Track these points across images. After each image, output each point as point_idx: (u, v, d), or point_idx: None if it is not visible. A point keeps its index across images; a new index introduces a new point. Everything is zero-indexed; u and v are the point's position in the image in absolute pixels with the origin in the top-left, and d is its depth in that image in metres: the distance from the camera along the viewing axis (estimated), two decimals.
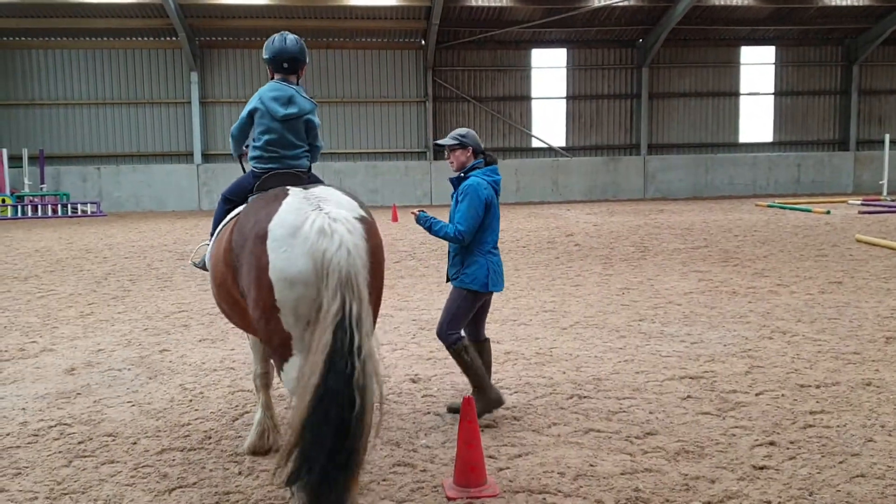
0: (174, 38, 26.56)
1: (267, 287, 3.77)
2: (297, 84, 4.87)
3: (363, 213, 4.07)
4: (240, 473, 4.72)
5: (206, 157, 27.56)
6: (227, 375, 6.83)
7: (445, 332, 5.51)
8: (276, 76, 4.83)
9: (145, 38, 27.23)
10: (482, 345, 5.76)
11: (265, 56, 4.88)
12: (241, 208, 4.68)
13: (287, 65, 4.78)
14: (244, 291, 4.03)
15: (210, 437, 5.32)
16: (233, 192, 4.95)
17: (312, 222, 3.74)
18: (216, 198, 27.01)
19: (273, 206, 3.96)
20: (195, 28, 26.67)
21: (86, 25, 26.16)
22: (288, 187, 4.23)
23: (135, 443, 5.23)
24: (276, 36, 4.86)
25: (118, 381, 6.68)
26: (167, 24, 25.84)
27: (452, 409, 5.71)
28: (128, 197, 26.93)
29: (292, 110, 4.70)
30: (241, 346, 7.86)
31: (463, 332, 5.60)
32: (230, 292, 4.37)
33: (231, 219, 4.70)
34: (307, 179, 4.77)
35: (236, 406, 5.98)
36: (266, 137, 4.70)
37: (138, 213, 25.88)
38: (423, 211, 5.66)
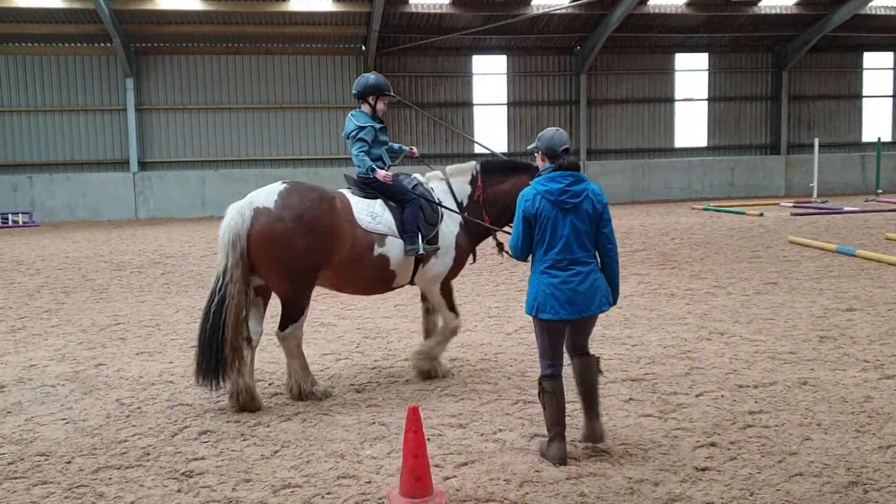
0: (109, 44, 25.95)
1: None
2: (361, 109, 6.73)
3: (262, 205, 6.06)
4: (179, 491, 4.60)
5: (143, 165, 26.99)
6: (165, 389, 6.67)
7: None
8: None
9: (79, 44, 26.53)
10: (579, 361, 5.04)
11: None
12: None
13: (358, 96, 6.75)
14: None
15: (148, 454, 5.17)
16: None
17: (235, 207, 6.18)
18: (153, 206, 26.65)
19: None
20: (130, 34, 26.11)
21: (17, 30, 25.39)
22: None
23: (69, 462, 5.06)
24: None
25: (51, 398, 6.47)
26: (101, 30, 25.24)
27: None
28: (61, 206, 26.20)
29: (344, 131, 6.77)
30: (179, 359, 7.69)
31: (550, 366, 4.95)
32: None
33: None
34: (350, 182, 6.73)
35: (175, 421, 5.84)
36: None
37: (72, 223, 25.19)
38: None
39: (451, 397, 6.22)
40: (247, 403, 5.96)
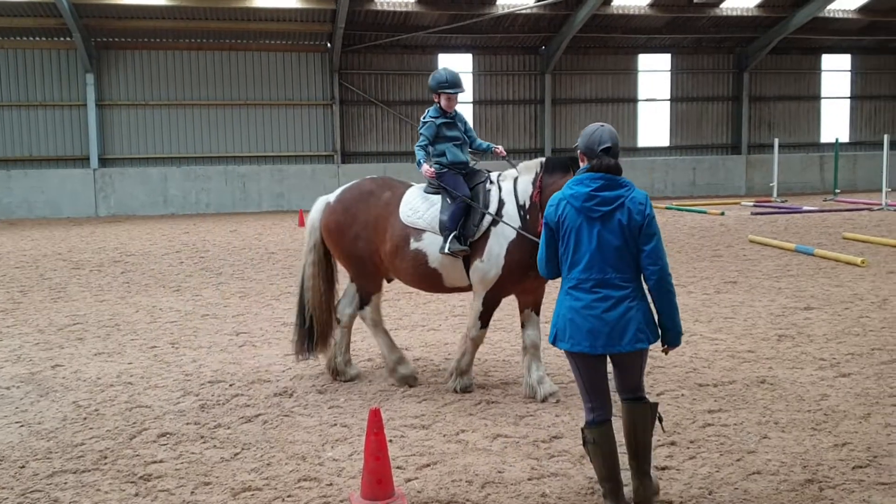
0: (68, 39, 25.46)
1: None
2: (435, 104, 6.74)
3: (329, 198, 6.85)
4: (137, 495, 4.53)
5: (104, 162, 26.54)
6: (124, 391, 6.57)
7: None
8: None
9: (38, 38, 26.00)
10: (627, 406, 4.21)
11: None
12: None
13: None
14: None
15: (106, 457, 5.09)
16: None
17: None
18: (113, 203, 26.24)
19: None
20: (91, 28, 25.64)
21: None
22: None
23: (23, 466, 4.96)
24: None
25: (5, 401, 6.34)
26: (61, 24, 24.74)
27: None
28: (19, 203, 25.67)
29: None
30: (138, 360, 7.58)
31: (591, 410, 4.20)
32: None
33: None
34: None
35: (134, 423, 5.75)
36: None
37: (31, 220, 24.72)
38: None
39: (414, 398, 6.21)
40: (338, 375, 6.73)
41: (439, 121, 6.61)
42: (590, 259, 4.01)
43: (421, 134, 6.64)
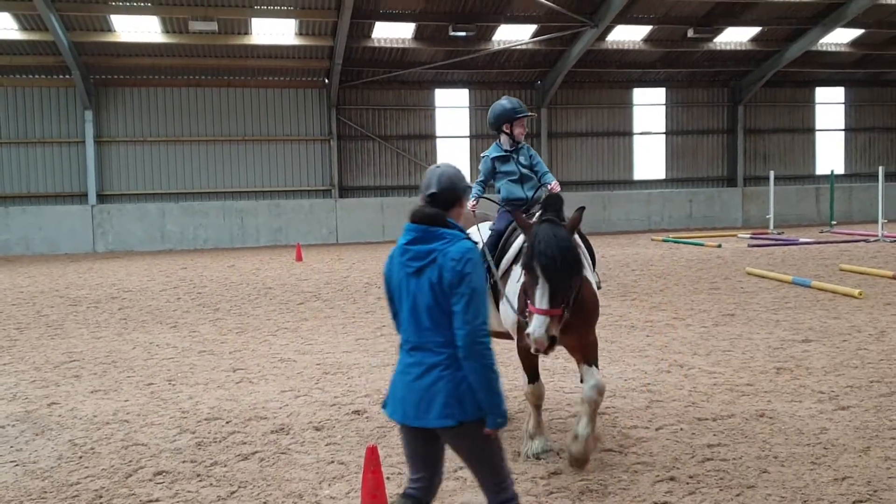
0: (67, 76, 25.68)
1: None
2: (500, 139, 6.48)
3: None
4: None
5: (102, 198, 26.62)
6: (120, 428, 6.53)
7: None
8: None
9: (37, 76, 26.21)
10: None
11: None
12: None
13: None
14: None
15: (101, 497, 5.05)
16: None
17: None
18: (111, 240, 26.28)
19: None
20: (90, 66, 25.86)
21: None
22: None
23: None
24: None
25: (1, 440, 6.29)
26: (60, 62, 24.96)
27: None
28: (17, 240, 25.69)
29: None
30: (135, 397, 7.54)
31: (409, 481, 3.77)
32: None
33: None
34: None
35: (130, 461, 5.71)
36: None
37: (28, 257, 24.72)
38: None
39: None
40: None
41: (492, 155, 6.46)
42: (407, 319, 3.62)
43: (480, 171, 6.58)
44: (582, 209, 5.03)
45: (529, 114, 6.38)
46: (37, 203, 26.32)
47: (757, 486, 4.95)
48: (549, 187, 6.34)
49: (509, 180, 6.38)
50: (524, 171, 6.38)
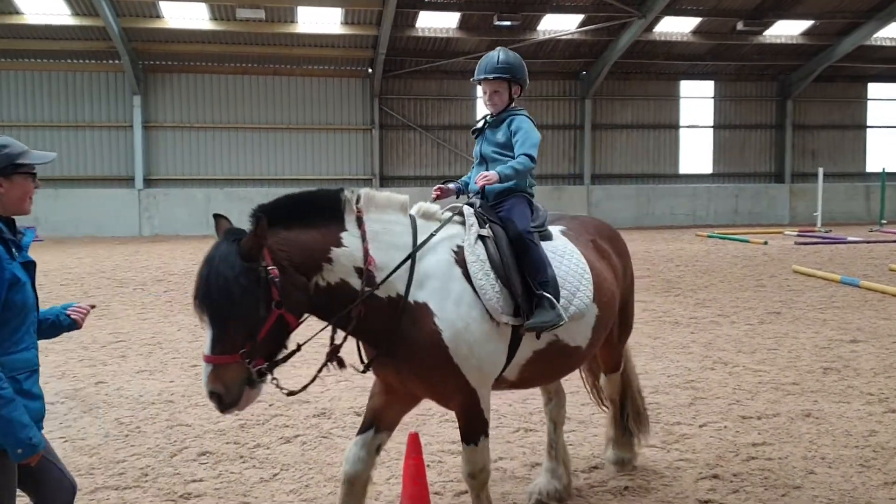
0: (117, 61, 26.11)
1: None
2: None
3: None
4: None
5: (148, 182, 27.05)
6: (165, 409, 6.63)
7: None
8: None
9: (87, 61, 26.69)
10: None
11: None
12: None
13: None
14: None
15: (146, 475, 5.14)
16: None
17: None
18: (157, 223, 26.68)
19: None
20: (139, 51, 26.27)
21: (25, 46, 25.55)
22: None
23: None
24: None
25: (50, 416, 6.41)
26: (110, 47, 25.39)
27: None
28: (66, 222, 26.22)
29: None
30: (180, 378, 7.66)
31: None
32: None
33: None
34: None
35: (174, 441, 5.80)
36: None
37: (76, 239, 25.21)
38: None
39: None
40: None
41: (474, 129, 4.77)
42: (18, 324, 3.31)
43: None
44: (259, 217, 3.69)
45: (489, 76, 4.37)
46: (85, 186, 26.83)
47: (803, 486, 4.86)
48: (480, 177, 4.22)
49: (476, 164, 4.60)
50: (490, 150, 4.43)
